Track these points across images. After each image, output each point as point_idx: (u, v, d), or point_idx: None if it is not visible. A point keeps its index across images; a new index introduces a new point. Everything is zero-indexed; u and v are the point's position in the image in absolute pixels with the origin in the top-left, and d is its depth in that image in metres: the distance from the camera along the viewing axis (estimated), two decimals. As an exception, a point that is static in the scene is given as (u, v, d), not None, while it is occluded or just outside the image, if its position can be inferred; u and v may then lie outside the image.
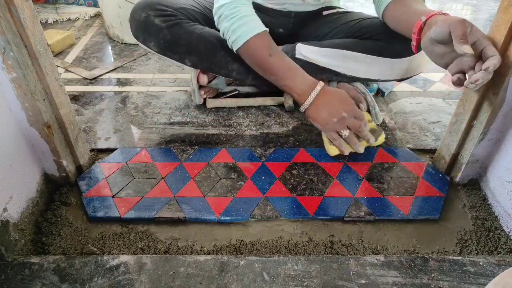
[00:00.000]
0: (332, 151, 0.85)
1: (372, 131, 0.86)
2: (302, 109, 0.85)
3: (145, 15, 0.92)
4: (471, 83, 0.61)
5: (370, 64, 0.95)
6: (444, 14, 0.70)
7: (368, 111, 0.98)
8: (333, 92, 0.85)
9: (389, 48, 0.92)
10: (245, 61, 0.90)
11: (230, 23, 0.85)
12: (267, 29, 0.87)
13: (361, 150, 0.83)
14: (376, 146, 0.88)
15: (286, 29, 1.10)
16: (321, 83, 0.84)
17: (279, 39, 1.10)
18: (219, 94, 1.09)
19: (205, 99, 1.06)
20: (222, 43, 0.95)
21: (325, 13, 1.08)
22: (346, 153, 0.83)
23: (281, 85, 0.87)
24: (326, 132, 0.83)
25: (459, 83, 0.64)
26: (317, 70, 1.00)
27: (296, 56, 1.00)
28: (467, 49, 0.59)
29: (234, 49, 0.88)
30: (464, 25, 0.61)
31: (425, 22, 0.71)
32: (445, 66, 0.67)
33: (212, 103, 1.05)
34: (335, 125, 0.81)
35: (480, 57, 0.62)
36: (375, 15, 0.98)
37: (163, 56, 0.98)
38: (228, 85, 1.09)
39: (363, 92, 0.98)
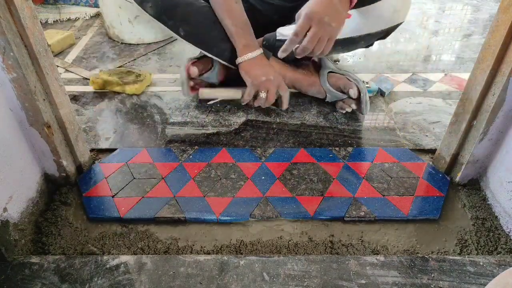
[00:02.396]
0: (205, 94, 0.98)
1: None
2: (238, 60, 0.92)
3: None
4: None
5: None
6: None
7: (359, 98, 0.96)
8: (267, 61, 0.95)
9: None
10: None
11: None
12: None
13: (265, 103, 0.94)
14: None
15: (284, 14, 1.04)
16: (261, 50, 0.94)
17: (275, 28, 1.06)
18: None
19: (196, 90, 1.02)
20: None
21: None
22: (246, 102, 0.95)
23: (231, 31, 0.92)
24: (251, 86, 0.93)
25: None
26: None
27: (278, 38, 0.96)
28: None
29: None
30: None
31: None
32: None
33: (204, 93, 1.01)
34: (261, 83, 0.91)
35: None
36: None
37: (156, 22, 0.95)
38: (220, 83, 1.05)
39: (354, 79, 0.97)
